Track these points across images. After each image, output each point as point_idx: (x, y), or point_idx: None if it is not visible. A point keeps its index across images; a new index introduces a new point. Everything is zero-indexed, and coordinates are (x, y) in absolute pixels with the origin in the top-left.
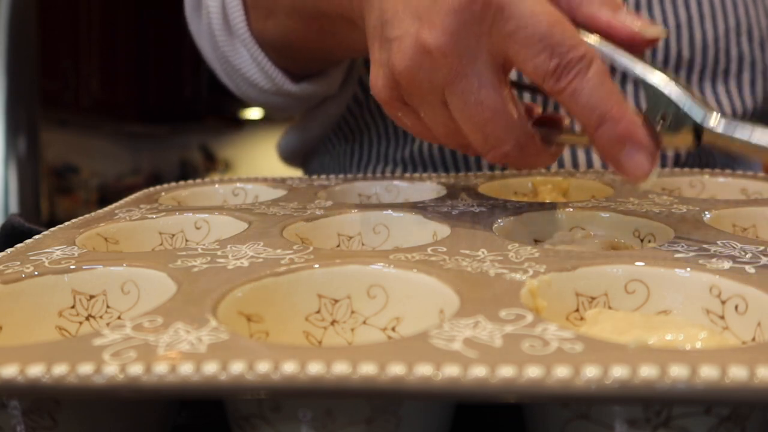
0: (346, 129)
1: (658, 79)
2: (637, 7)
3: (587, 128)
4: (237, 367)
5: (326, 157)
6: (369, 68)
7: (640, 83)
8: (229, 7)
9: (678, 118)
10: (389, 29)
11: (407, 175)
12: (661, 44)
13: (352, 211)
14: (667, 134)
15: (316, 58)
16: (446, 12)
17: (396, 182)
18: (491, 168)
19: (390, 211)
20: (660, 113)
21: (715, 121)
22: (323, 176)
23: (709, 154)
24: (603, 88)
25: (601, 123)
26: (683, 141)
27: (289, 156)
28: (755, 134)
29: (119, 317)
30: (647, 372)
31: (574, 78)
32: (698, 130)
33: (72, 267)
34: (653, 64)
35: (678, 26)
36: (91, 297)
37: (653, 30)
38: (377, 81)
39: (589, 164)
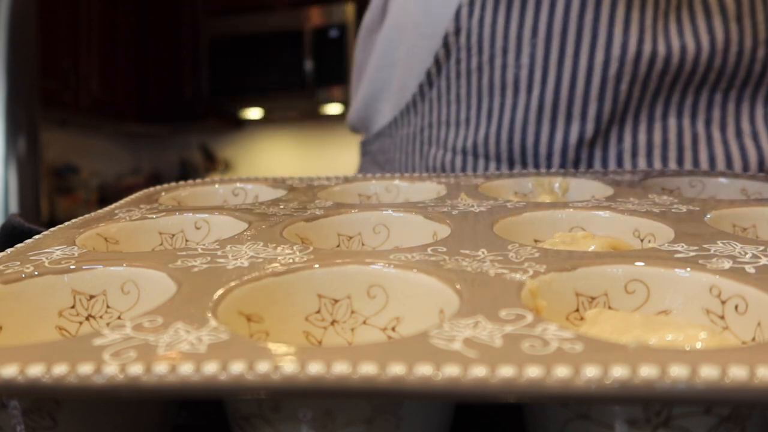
0: (413, 111)
1: None
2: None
3: None
4: (237, 367)
5: (387, 140)
6: (447, 50)
7: None
8: None
9: None
10: None
11: (407, 175)
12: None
13: (352, 211)
14: None
15: None
16: None
17: (396, 182)
18: (548, 164)
19: (390, 211)
20: None
21: None
22: (323, 176)
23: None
24: None
25: None
26: None
27: (357, 123)
28: None
29: (119, 317)
30: (647, 372)
31: None
32: None
33: (72, 267)
34: None
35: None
36: (91, 297)
37: None
38: None
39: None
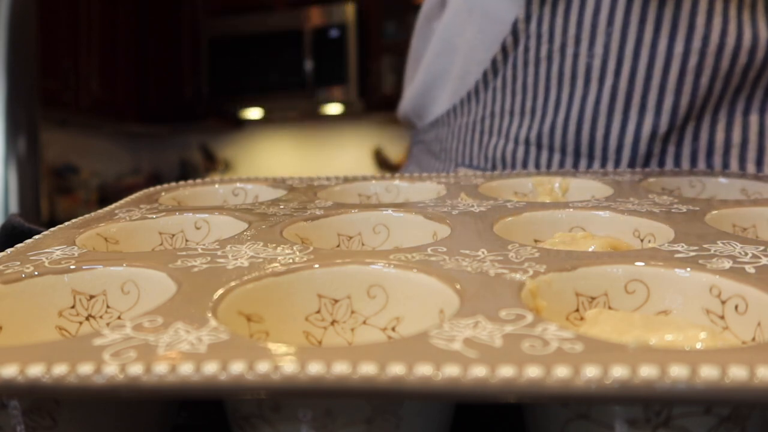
0: (474, 99)
1: None
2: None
3: None
4: (237, 367)
5: (443, 129)
6: (515, 37)
7: None
8: None
9: None
10: None
11: (407, 175)
12: None
13: (352, 211)
14: None
15: None
16: None
17: (396, 182)
18: (617, 158)
19: (390, 211)
20: None
21: None
22: (323, 176)
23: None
24: None
25: None
26: None
27: (411, 112)
28: None
29: (119, 317)
30: (647, 372)
31: None
32: None
33: (72, 267)
34: None
35: None
36: (91, 297)
37: None
38: None
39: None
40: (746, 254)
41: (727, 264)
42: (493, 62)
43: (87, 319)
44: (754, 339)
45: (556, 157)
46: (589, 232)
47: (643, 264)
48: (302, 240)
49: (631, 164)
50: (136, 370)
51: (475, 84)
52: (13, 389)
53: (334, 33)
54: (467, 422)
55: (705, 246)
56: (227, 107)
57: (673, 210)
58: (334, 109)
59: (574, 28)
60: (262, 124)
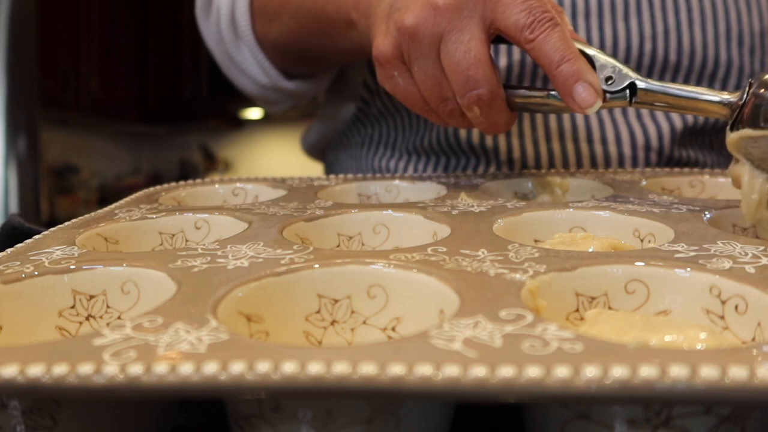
0: (359, 124)
1: (604, 56)
2: (626, 13)
3: (549, 69)
4: (237, 367)
5: (341, 152)
6: (374, 71)
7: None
8: (237, 12)
9: (620, 77)
10: (399, 4)
11: (407, 175)
12: (648, 48)
13: (352, 211)
14: (609, 92)
15: (310, 59)
16: None
17: (396, 182)
18: (483, 156)
19: (390, 211)
20: (605, 75)
21: (645, 83)
22: (323, 177)
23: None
24: (564, 42)
25: (561, 63)
26: (620, 101)
27: (311, 149)
28: (675, 88)
29: (119, 317)
30: (647, 372)
31: (543, 31)
32: (633, 89)
33: (72, 267)
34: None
35: (666, 31)
36: (91, 297)
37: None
38: (382, 44)
39: (591, 164)
40: (746, 254)
41: (727, 264)
42: (362, 99)
43: (87, 319)
44: (754, 339)
45: (442, 160)
46: (589, 233)
47: (643, 264)
48: (302, 240)
49: (496, 159)
50: (136, 370)
51: (352, 115)
52: (13, 389)
53: None
54: (467, 422)
55: (705, 246)
56: (227, 107)
57: (673, 210)
58: None
59: None
60: (262, 124)
